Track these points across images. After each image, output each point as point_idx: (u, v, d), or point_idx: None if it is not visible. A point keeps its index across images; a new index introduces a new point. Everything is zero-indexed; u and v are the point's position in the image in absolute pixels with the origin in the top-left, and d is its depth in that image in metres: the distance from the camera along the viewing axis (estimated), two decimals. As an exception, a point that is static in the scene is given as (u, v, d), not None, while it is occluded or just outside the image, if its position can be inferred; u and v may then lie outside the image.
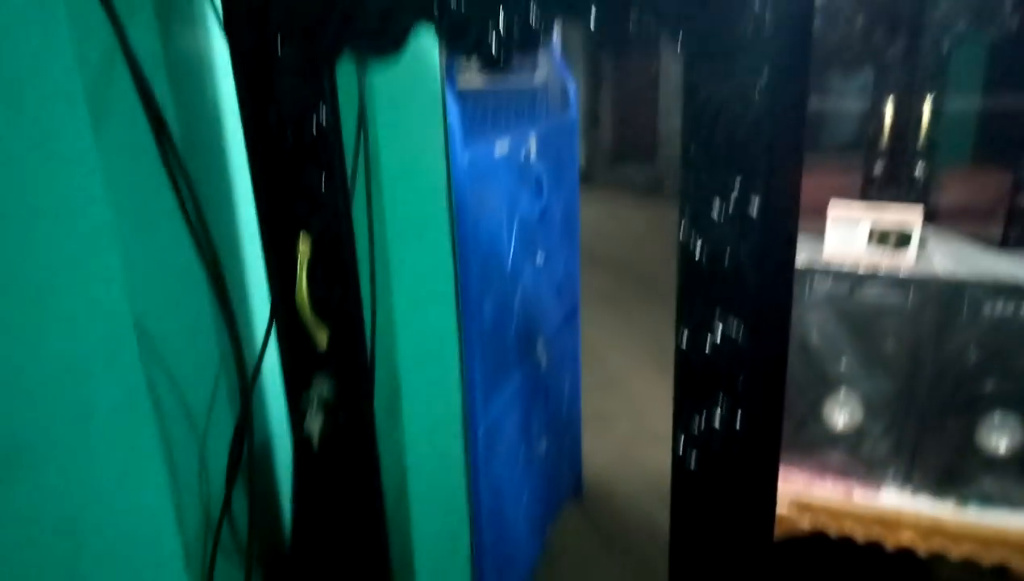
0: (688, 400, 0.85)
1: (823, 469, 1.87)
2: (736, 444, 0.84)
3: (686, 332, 0.83)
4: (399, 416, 1.34)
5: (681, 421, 0.86)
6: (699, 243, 0.79)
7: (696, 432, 0.85)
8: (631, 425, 3.16)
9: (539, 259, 1.96)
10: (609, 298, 4.78)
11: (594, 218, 6.82)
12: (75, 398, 0.82)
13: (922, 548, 1.76)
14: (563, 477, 2.37)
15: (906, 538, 1.77)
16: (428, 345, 1.44)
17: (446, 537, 1.59)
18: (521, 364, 1.86)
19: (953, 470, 1.76)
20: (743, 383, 0.82)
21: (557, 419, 2.22)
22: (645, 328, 4.24)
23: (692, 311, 0.82)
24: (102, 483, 0.86)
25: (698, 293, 0.81)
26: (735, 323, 0.80)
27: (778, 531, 1.87)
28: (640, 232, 6.86)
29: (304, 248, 0.93)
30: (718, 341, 0.81)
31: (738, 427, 0.83)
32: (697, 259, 0.79)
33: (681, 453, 0.87)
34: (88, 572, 0.84)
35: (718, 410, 0.84)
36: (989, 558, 1.71)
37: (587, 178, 8.76)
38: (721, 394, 0.83)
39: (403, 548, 1.45)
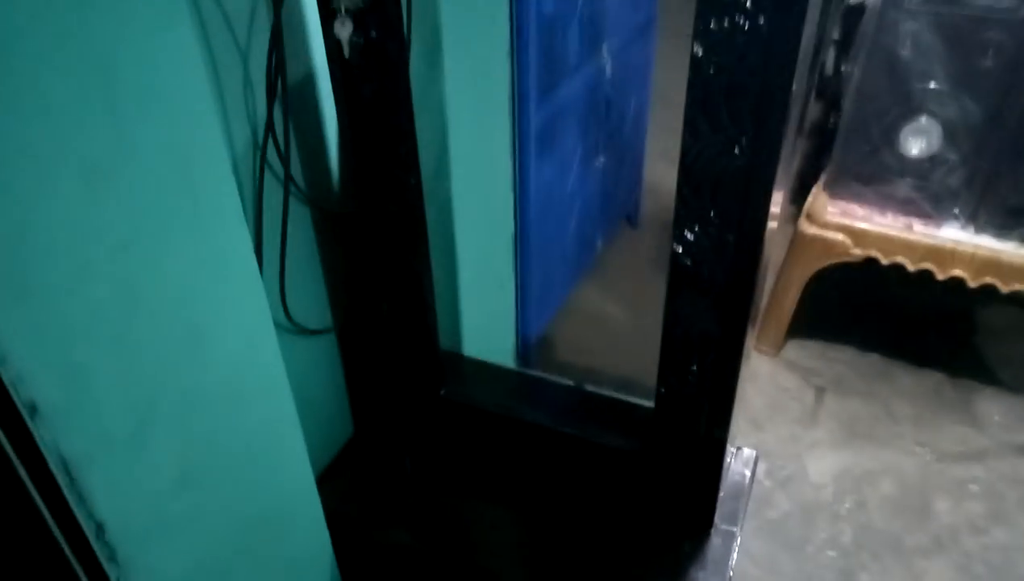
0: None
1: (886, 202, 1.81)
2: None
3: None
4: (439, 70, 1.34)
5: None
6: None
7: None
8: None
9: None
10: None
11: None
12: None
13: (972, 282, 1.73)
14: (619, 199, 2.38)
15: (958, 271, 1.74)
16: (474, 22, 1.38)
17: (489, 225, 1.64)
18: (581, 65, 1.78)
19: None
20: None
21: (619, 136, 2.18)
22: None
23: None
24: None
25: None
26: None
27: (830, 255, 1.87)
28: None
29: None
30: None
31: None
32: None
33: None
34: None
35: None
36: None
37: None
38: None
39: (443, 219, 1.52)
